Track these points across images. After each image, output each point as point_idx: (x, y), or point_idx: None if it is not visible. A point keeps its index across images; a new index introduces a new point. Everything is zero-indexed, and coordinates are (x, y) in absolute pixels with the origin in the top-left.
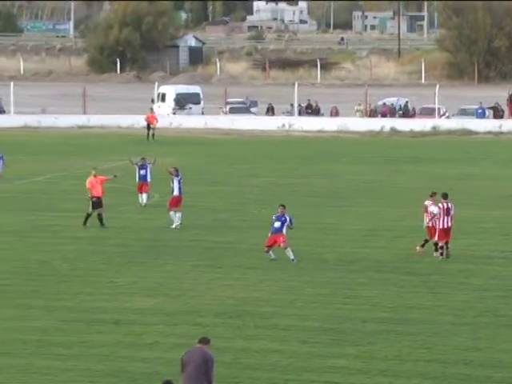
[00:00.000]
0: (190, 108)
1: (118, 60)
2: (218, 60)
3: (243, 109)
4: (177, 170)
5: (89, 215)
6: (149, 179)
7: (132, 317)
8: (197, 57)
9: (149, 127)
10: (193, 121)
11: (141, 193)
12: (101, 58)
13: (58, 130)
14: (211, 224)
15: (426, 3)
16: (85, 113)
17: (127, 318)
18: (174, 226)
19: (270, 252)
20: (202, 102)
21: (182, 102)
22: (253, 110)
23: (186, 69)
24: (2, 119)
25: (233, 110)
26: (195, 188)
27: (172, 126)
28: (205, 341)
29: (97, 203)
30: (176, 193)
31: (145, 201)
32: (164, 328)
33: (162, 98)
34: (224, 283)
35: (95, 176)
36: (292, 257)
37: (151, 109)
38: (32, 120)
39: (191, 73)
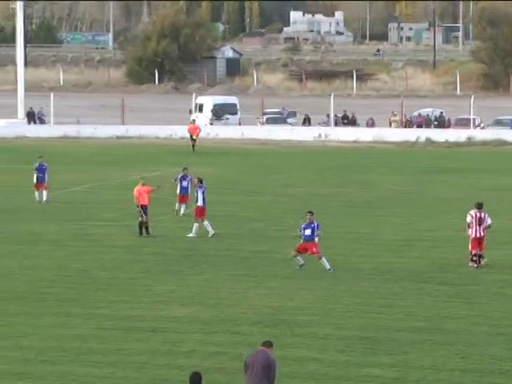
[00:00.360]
0: (227, 118)
1: (156, 71)
2: (254, 71)
3: (280, 119)
4: (201, 181)
5: (141, 224)
6: (189, 190)
7: (169, 325)
8: (234, 68)
9: (192, 138)
10: (230, 131)
11: (180, 203)
12: (139, 70)
13: (96, 140)
14: (248, 233)
15: (461, 15)
16: (123, 123)
17: (164, 326)
18: (211, 234)
19: (299, 257)
20: (239, 113)
21: (220, 113)
22: (291, 120)
23: (223, 80)
24: (42, 129)
25: (269, 121)
26: (232, 198)
27: (209, 136)
28: (268, 344)
29: (144, 212)
30: (200, 203)
31: (182, 211)
32: (201, 336)
33: (200, 108)
34: (260, 292)
35: (143, 185)
36: (328, 266)
37: (193, 120)
38: (71, 130)
39: (228, 84)
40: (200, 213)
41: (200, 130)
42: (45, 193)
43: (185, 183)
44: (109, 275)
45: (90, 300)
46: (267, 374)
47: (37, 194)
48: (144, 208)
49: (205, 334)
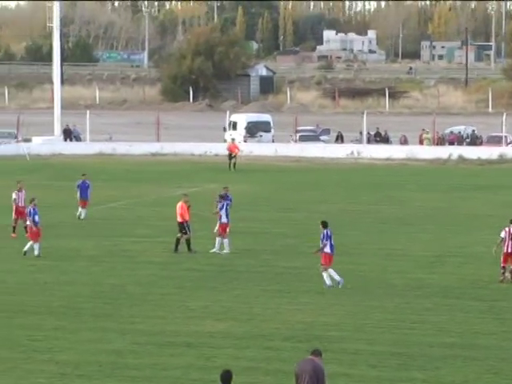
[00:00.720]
0: (261, 136)
1: (190, 89)
2: (288, 89)
3: (313, 137)
4: (222, 197)
5: (179, 240)
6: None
7: (203, 340)
8: (268, 86)
9: (230, 156)
10: (263, 148)
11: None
12: (174, 87)
13: (131, 157)
14: (281, 249)
15: (493, 33)
16: (158, 140)
17: (198, 341)
18: (225, 252)
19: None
20: (272, 130)
21: (253, 130)
22: (324, 137)
23: (256, 97)
24: (79, 147)
25: (303, 138)
26: (266, 214)
27: (243, 153)
28: (317, 353)
29: (187, 228)
30: (224, 220)
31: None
32: (234, 351)
33: (234, 126)
34: (293, 308)
35: (186, 202)
36: (327, 282)
37: (233, 139)
38: (106, 147)
39: (262, 101)
40: (224, 229)
41: (239, 150)
42: (83, 211)
43: (228, 201)
44: (144, 291)
45: (125, 315)
46: (315, 383)
47: (81, 210)
48: (183, 224)
49: (238, 349)
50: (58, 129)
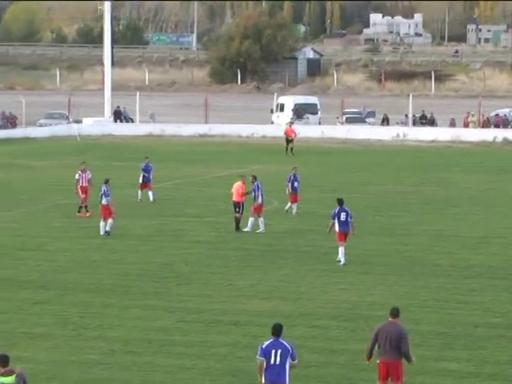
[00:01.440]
0: (308, 118)
1: (238, 71)
2: (335, 71)
3: (359, 119)
4: (255, 178)
5: (239, 220)
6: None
7: (250, 318)
8: (315, 68)
9: (287, 140)
10: (310, 130)
11: (292, 203)
12: (222, 70)
13: (180, 138)
14: (326, 230)
15: None
16: (206, 122)
17: (245, 319)
18: (260, 231)
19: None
20: (319, 113)
21: (300, 113)
22: (370, 120)
23: (304, 80)
24: (128, 128)
25: (349, 120)
26: (312, 195)
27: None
28: (395, 313)
29: (239, 207)
30: (260, 200)
31: (295, 210)
32: None
33: (281, 108)
34: (339, 287)
35: (243, 183)
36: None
37: (290, 122)
38: (156, 129)
39: (309, 84)
40: (259, 209)
41: (296, 134)
42: (150, 193)
43: (296, 184)
44: (191, 270)
45: (173, 294)
46: (399, 345)
47: (140, 193)
48: (239, 204)
49: (285, 327)
50: (108, 110)
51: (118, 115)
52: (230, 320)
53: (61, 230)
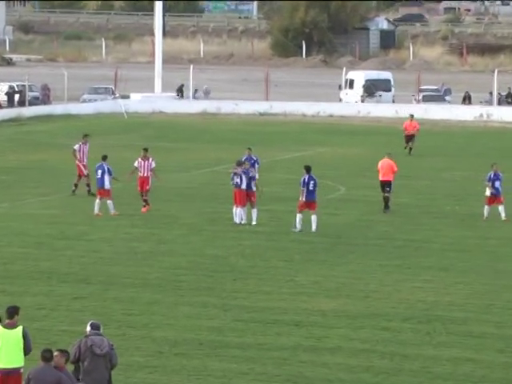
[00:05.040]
0: (380, 95)
1: (303, 43)
2: (411, 44)
3: (437, 97)
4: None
5: (387, 199)
6: None
7: (313, 318)
8: (388, 40)
9: (407, 138)
10: (382, 109)
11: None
12: (285, 41)
13: (238, 116)
14: (401, 221)
15: None
16: (267, 99)
17: (308, 319)
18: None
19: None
20: (392, 90)
21: (372, 89)
22: (448, 98)
23: (376, 53)
24: (180, 104)
25: (426, 98)
26: None
27: (360, 114)
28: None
29: (386, 186)
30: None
31: (503, 214)
32: (347, 331)
33: (350, 84)
34: (413, 285)
35: (391, 159)
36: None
37: (411, 115)
38: (211, 106)
39: (382, 58)
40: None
41: (418, 129)
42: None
43: (498, 183)
44: (248, 263)
45: (228, 290)
46: None
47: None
48: (389, 183)
49: (352, 329)
50: (158, 85)
51: (182, 93)
52: (290, 320)
53: (104, 218)
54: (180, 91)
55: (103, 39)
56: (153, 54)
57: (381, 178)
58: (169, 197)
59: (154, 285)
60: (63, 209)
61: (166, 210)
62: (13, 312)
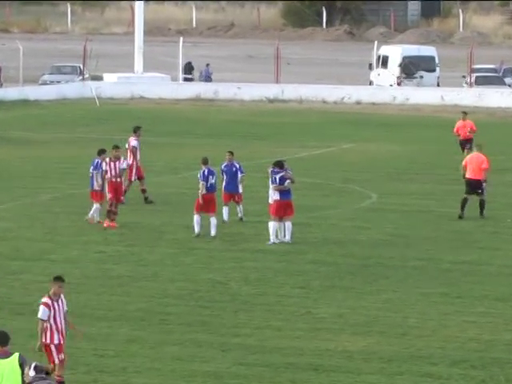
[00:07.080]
0: (422, 77)
1: (323, 10)
2: (461, 11)
3: (494, 78)
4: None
5: (483, 202)
6: None
7: (336, 362)
8: (432, 7)
9: (462, 143)
10: (425, 94)
11: None
12: (300, 8)
13: (240, 103)
14: (448, 237)
15: None
16: (277, 81)
17: (329, 363)
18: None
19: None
20: (437, 69)
21: (411, 69)
22: (509, 80)
23: (416, 23)
24: (168, 88)
25: (480, 81)
26: (425, 186)
27: (396, 101)
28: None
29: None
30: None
31: None
32: (380, 378)
33: (383, 62)
34: (464, 319)
35: (481, 152)
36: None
37: (464, 113)
38: (206, 90)
39: (424, 28)
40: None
41: (474, 130)
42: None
43: None
44: (253, 290)
45: (228, 324)
46: None
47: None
48: (478, 183)
49: (386, 375)
50: (139, 62)
51: (190, 72)
52: (307, 363)
53: (70, 233)
54: (189, 70)
55: (69, 4)
56: (132, 24)
57: (468, 176)
58: (152, 206)
59: (133, 318)
60: (18, 221)
61: (149, 222)
62: (4, 338)
